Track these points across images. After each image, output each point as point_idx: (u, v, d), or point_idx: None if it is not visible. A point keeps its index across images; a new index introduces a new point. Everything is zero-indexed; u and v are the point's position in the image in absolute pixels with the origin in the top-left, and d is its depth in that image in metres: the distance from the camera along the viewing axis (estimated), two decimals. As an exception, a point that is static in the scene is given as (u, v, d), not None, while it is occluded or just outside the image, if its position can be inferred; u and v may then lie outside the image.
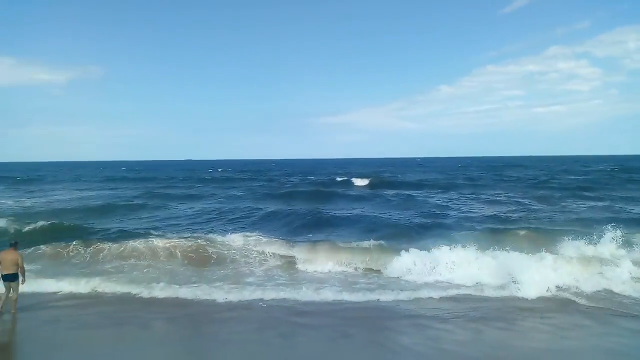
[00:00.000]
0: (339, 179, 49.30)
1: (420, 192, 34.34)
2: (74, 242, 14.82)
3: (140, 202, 28.88)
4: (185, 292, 10.50)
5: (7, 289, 9.32)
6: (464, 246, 12.99)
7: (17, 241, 10.16)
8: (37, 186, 45.47)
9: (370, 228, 18.69)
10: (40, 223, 18.59)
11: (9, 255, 9.34)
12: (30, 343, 8.04)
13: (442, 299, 10.25)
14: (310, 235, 17.78)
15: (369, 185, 41.88)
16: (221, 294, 10.42)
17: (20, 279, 9.47)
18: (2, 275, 9.31)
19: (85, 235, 16.69)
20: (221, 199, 31.49)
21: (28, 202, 29.60)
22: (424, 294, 10.50)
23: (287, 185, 43.21)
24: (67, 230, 17.78)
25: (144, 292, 10.64)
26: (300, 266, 13.40)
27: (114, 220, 22.13)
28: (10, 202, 29.62)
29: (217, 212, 24.21)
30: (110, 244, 14.75)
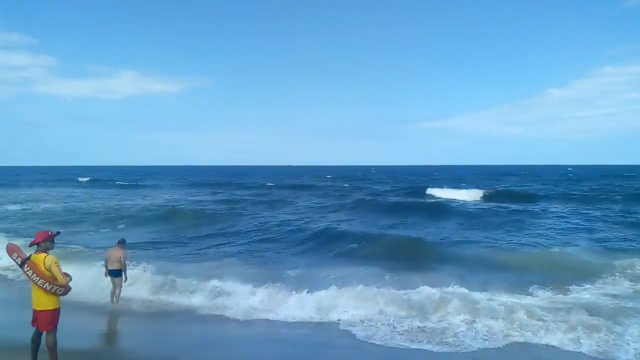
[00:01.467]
0: (449, 189, 42.74)
1: (560, 209, 26.71)
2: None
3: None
4: None
5: (113, 284, 9.86)
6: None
7: (125, 239, 10.82)
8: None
9: (522, 270, 12.77)
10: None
11: (115, 252, 9.91)
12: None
13: None
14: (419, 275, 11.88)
15: (485, 198, 35.93)
16: None
17: (123, 276, 10.04)
18: (108, 270, 10.05)
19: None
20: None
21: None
22: None
23: (389, 195, 38.73)
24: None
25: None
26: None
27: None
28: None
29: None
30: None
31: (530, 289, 10.60)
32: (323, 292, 10.03)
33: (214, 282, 10.98)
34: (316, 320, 9.08)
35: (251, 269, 12.83)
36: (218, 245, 17.64)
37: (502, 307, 8.90)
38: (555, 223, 21.54)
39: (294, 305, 9.64)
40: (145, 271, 11.83)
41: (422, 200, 32.93)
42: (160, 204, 31.84)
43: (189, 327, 8.81)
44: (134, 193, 46.27)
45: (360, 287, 10.16)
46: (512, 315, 8.58)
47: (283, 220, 22.94)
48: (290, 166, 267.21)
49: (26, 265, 5.78)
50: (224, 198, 37.75)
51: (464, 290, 10.05)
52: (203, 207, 29.54)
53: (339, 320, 8.94)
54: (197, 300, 10.40)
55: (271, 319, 9.21)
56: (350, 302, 9.60)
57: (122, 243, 10.51)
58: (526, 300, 9.68)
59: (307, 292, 10.03)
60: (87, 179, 71.12)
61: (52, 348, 6.00)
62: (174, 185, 58.51)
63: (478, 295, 9.70)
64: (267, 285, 10.63)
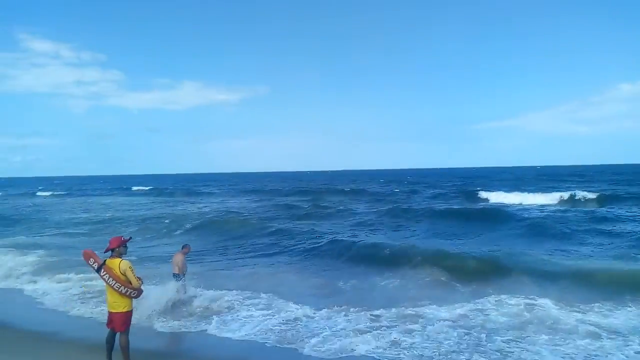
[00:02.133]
0: (515, 192, 37.83)
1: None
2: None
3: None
4: None
5: (177, 288, 10.35)
6: None
7: (188, 244, 11.21)
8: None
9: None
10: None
11: (176, 257, 10.35)
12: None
13: None
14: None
15: (564, 202, 31.80)
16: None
17: (181, 280, 10.42)
18: (173, 274, 10.47)
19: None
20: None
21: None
22: None
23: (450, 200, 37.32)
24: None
25: None
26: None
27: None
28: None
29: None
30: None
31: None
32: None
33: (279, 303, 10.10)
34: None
35: (312, 287, 12.09)
36: (272, 254, 17.13)
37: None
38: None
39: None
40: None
41: (486, 206, 30.70)
42: (216, 211, 32.88)
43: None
44: (194, 200, 48.07)
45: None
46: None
47: (337, 232, 21.24)
48: (344, 170, 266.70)
49: (102, 270, 6.15)
50: (280, 203, 38.09)
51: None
52: (260, 214, 30.00)
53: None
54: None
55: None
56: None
57: (185, 247, 10.97)
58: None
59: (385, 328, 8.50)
60: (149, 187, 74.08)
61: (125, 348, 6.35)
62: (230, 192, 59.93)
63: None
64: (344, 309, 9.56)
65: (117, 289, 6.08)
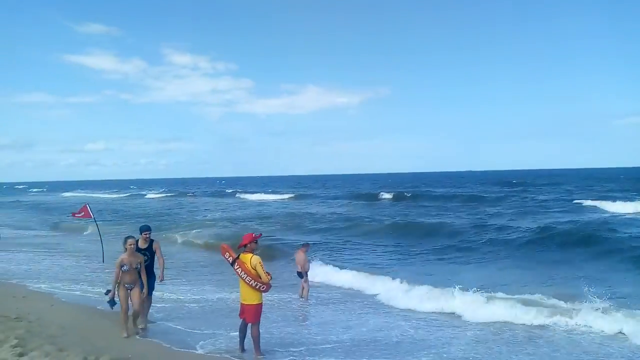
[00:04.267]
0: None
1: None
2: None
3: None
4: None
5: (301, 284, 10.93)
6: None
7: (308, 243, 11.86)
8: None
9: None
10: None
11: (298, 256, 10.95)
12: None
13: None
14: None
15: None
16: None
17: (305, 276, 10.99)
18: (297, 272, 11.04)
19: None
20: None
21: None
22: None
23: None
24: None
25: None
26: None
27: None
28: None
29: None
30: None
31: None
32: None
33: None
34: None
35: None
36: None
37: None
38: None
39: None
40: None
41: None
42: (336, 214, 33.71)
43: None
44: (320, 201, 49.83)
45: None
46: None
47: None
48: (470, 171, 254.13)
49: (236, 264, 6.68)
50: (413, 209, 36.26)
51: None
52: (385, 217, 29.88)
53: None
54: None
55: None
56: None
57: (305, 246, 11.45)
58: None
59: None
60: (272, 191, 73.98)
61: (257, 337, 6.82)
62: (352, 194, 59.61)
63: None
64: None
65: (248, 282, 6.54)
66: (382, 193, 53.76)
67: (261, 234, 7.46)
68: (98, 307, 9.30)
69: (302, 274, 10.93)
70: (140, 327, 7.82)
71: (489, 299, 9.72)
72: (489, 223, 23.72)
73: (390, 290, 11.23)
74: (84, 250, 18.79)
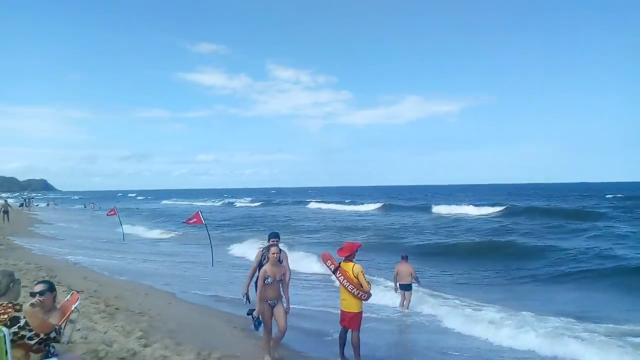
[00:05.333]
0: None
1: None
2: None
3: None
4: None
5: (402, 296, 10.85)
6: None
7: (407, 255, 11.81)
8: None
9: None
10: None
11: (405, 267, 10.91)
12: None
13: None
14: None
15: None
16: None
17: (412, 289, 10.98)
18: (400, 284, 10.98)
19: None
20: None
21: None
22: None
23: None
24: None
25: None
26: None
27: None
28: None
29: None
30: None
31: None
32: None
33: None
34: None
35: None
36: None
37: None
38: None
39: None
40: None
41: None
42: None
43: None
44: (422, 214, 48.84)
45: None
46: None
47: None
48: (583, 183, 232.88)
49: (338, 272, 6.84)
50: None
51: None
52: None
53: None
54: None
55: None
56: None
57: (406, 258, 11.36)
58: None
59: None
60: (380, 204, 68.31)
61: (357, 345, 6.90)
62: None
63: None
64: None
65: (350, 290, 6.66)
66: (485, 207, 50.15)
67: (361, 245, 7.56)
68: (210, 308, 10.03)
69: (407, 286, 10.87)
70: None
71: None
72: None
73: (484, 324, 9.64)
74: (194, 255, 20.28)
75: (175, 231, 32.42)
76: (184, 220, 18.71)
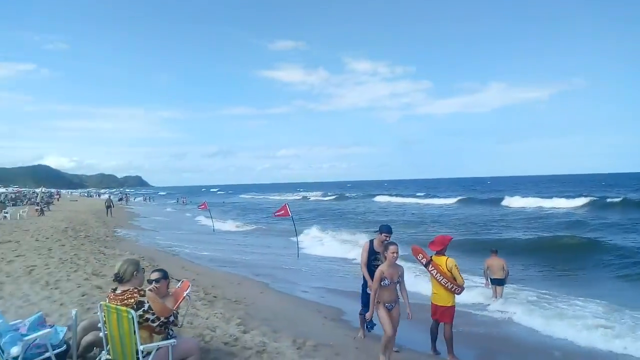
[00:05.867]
0: None
1: None
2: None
3: None
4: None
5: (494, 292, 10.55)
6: None
7: (497, 249, 11.41)
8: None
9: None
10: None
11: (497, 261, 10.59)
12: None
13: None
14: None
15: None
16: None
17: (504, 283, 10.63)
18: (491, 279, 10.69)
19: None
20: None
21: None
22: None
23: None
24: None
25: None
26: None
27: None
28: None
29: None
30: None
31: None
32: None
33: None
34: None
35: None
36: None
37: None
38: None
39: None
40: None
41: None
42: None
43: None
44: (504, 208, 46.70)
45: None
46: None
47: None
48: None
49: (430, 265, 6.78)
50: None
51: None
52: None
53: None
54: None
55: None
56: None
57: (495, 252, 10.97)
58: None
59: None
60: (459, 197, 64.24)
61: (449, 338, 6.81)
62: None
63: None
64: None
65: (444, 284, 6.58)
66: (574, 199, 45.72)
67: (452, 238, 7.42)
68: (299, 298, 10.37)
69: (500, 281, 10.52)
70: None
71: None
72: None
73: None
74: (279, 246, 20.94)
75: (256, 223, 33.70)
76: (273, 213, 19.36)
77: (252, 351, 5.99)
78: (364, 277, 7.10)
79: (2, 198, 43.56)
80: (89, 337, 5.04)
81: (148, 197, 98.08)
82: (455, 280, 6.56)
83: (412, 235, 23.17)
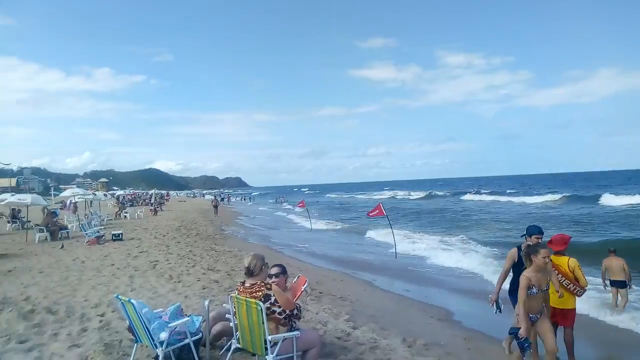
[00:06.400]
0: None
1: None
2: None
3: None
4: None
5: (615, 295, 9.73)
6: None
7: (615, 248, 10.40)
8: None
9: None
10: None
11: (617, 262, 9.72)
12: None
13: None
14: None
15: None
16: None
17: (627, 286, 9.67)
18: (610, 280, 9.77)
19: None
20: None
21: None
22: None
23: None
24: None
25: None
26: None
27: None
28: None
29: None
30: None
31: None
32: None
33: None
34: None
35: None
36: None
37: None
38: None
39: None
40: None
41: None
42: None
43: None
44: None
45: None
46: None
47: None
48: None
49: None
50: None
51: None
52: None
53: None
54: None
55: None
56: None
57: (614, 252, 9.97)
58: None
59: None
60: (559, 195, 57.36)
61: (571, 343, 6.39)
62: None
63: None
64: None
65: (566, 285, 6.20)
66: None
67: (571, 236, 6.97)
68: (403, 296, 10.35)
69: (621, 283, 9.63)
70: None
71: None
72: None
73: None
74: (373, 244, 20.99)
75: (347, 222, 33.92)
76: (367, 213, 19.39)
77: (364, 347, 6.12)
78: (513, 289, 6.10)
79: (121, 200, 48.23)
80: (218, 327, 5.49)
81: (246, 197, 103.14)
82: (578, 282, 6.17)
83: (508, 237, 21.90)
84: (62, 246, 16.13)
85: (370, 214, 18.57)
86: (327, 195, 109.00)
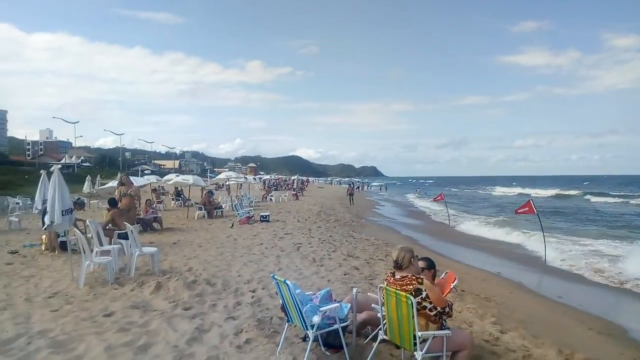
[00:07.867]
0: None
1: None
2: None
3: None
4: None
5: None
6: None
7: None
8: None
9: None
10: None
11: None
12: None
13: None
14: None
15: None
16: None
17: None
18: None
19: None
20: None
21: None
22: None
23: None
24: None
25: None
26: None
27: None
28: None
29: None
30: None
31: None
32: None
33: None
34: None
35: None
36: None
37: None
38: None
39: None
40: None
41: None
42: None
43: None
44: None
45: None
46: None
47: None
48: None
49: None
50: None
51: None
52: None
53: None
54: None
55: None
56: None
57: None
58: None
59: None
60: None
61: None
62: None
63: None
64: None
65: None
66: None
67: None
68: (555, 302, 9.48)
69: None
70: None
71: None
72: None
73: None
74: (514, 243, 19.46)
75: (487, 218, 31.93)
76: (515, 210, 17.96)
77: (516, 354, 5.71)
78: None
79: (267, 184, 51.88)
80: (363, 315, 5.57)
81: (383, 187, 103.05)
82: None
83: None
84: (232, 225, 17.56)
85: (519, 211, 17.22)
86: (451, 189, 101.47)
